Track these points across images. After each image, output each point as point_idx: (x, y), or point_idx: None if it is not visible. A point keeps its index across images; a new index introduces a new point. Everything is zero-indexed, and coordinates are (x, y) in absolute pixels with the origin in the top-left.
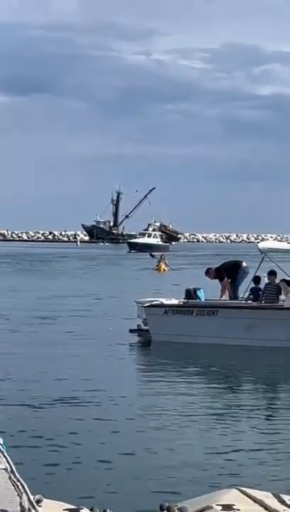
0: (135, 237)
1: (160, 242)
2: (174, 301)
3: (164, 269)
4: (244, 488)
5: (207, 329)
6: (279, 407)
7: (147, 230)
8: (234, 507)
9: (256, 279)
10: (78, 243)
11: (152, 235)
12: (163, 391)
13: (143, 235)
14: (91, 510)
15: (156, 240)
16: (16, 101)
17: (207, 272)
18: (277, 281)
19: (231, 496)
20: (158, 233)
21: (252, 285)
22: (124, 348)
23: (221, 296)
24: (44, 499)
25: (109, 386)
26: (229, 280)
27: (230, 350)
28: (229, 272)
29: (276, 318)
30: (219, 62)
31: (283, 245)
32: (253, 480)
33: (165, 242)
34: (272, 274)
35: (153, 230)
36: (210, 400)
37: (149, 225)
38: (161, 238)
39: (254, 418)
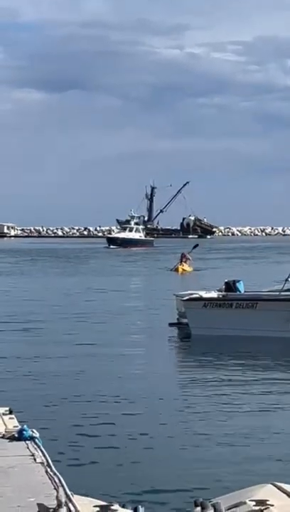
0: (114, 232)
1: (143, 237)
2: (213, 294)
3: (183, 270)
4: (279, 484)
5: (247, 322)
6: None
7: (129, 223)
8: (267, 502)
9: None
10: None
11: (134, 229)
12: (204, 384)
13: (124, 229)
14: (123, 507)
15: (138, 235)
16: (51, 98)
17: None
18: None
19: (265, 492)
20: (140, 227)
21: None
22: (164, 341)
23: None
24: (74, 495)
25: (150, 380)
26: None
27: (270, 342)
28: None
29: None
30: (253, 55)
31: None
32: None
33: (147, 236)
34: None
35: (136, 223)
36: (250, 393)
37: (184, 218)
38: (196, 232)
39: None
